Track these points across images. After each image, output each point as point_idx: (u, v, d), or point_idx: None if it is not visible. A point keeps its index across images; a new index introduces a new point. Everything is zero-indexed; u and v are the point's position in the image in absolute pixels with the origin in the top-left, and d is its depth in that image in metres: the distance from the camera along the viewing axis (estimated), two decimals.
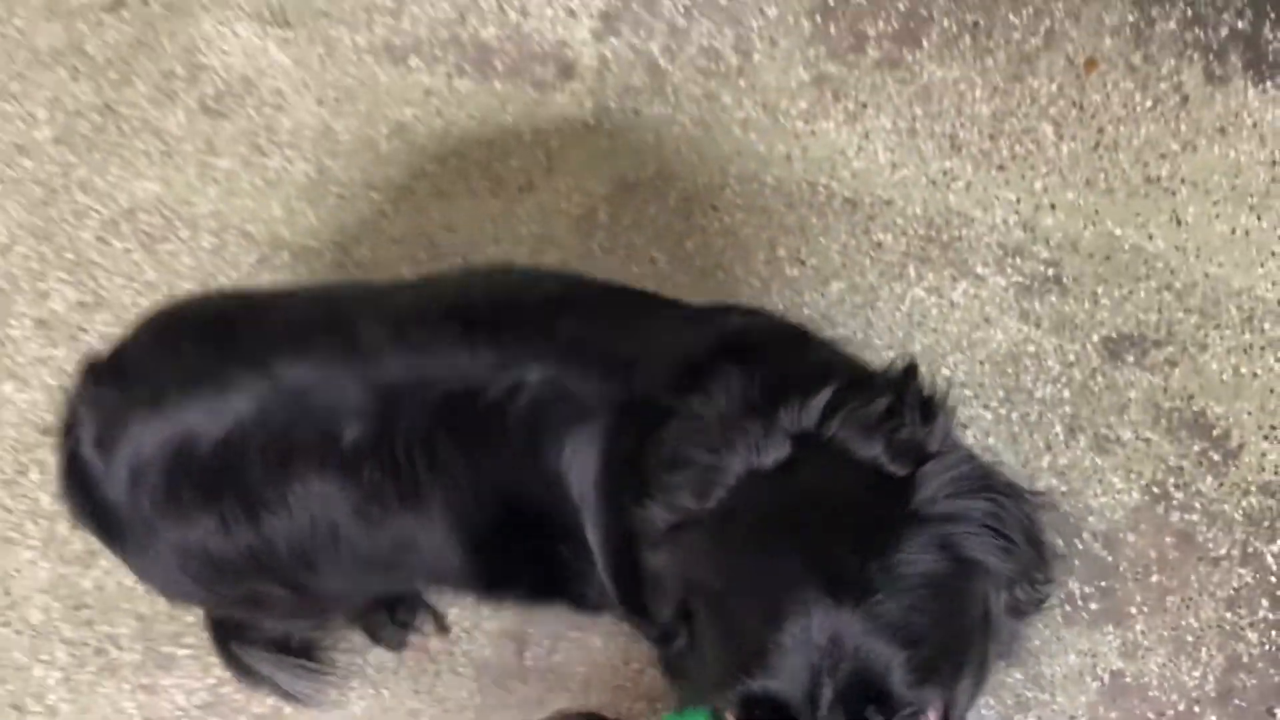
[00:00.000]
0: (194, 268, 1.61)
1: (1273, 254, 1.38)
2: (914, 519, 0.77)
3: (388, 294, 1.13)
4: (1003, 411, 1.39)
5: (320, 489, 1.00)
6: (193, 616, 1.41)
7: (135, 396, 1.02)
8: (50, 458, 1.56)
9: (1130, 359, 1.37)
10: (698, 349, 0.97)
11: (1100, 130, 1.44)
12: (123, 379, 1.06)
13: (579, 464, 0.95)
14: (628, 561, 0.92)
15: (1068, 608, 1.31)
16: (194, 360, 1.03)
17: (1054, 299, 1.40)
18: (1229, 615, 1.28)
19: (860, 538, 0.76)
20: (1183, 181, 1.41)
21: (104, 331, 1.60)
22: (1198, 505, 1.32)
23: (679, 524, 0.82)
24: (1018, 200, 1.44)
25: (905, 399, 0.83)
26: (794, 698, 0.71)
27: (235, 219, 1.62)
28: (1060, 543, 1.28)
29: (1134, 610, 1.30)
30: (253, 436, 0.99)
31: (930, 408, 0.84)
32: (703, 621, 0.80)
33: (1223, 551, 1.30)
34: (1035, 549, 0.86)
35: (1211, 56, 1.43)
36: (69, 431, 1.06)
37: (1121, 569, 1.31)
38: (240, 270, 1.60)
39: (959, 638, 0.79)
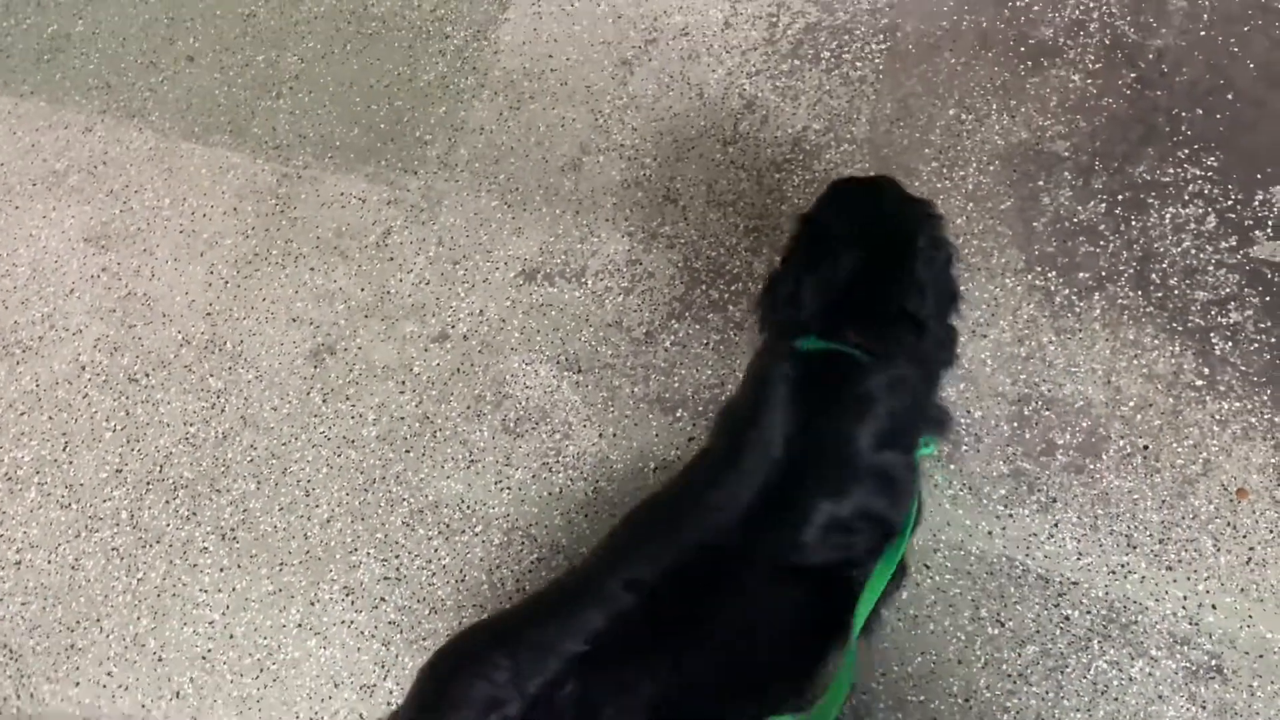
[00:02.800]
0: (483, 559, 1.92)
1: None
2: None
3: None
4: None
5: None
6: None
7: None
8: (343, 708, 1.83)
9: None
10: None
11: (1251, 549, 1.75)
12: None
13: None
14: None
15: None
16: None
17: (1216, 686, 1.67)
18: None
19: None
20: None
21: (402, 605, 1.90)
22: None
23: None
24: (1184, 597, 1.73)
25: None
26: None
27: (522, 522, 1.94)
28: None
29: None
30: None
31: None
32: None
33: None
34: None
35: None
36: None
37: None
38: (521, 565, 1.91)
39: None
